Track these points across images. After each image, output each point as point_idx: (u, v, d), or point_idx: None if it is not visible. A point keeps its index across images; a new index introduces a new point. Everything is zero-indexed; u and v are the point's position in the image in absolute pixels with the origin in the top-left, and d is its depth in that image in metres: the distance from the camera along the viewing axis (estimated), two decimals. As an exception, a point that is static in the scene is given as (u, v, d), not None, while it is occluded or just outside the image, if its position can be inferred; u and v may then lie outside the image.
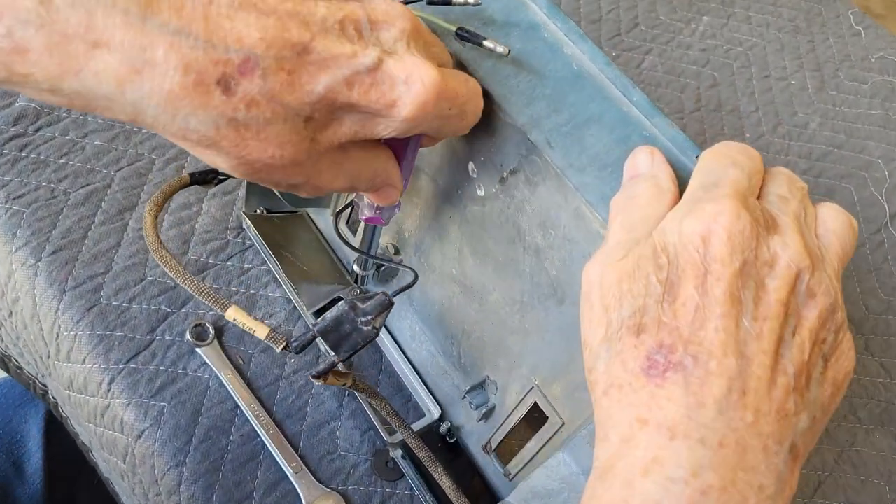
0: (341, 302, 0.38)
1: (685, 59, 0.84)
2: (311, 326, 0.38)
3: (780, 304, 0.30)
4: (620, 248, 0.32)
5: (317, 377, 0.38)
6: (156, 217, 0.40)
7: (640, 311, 0.30)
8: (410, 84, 0.33)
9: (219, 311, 0.36)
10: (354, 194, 0.47)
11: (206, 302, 0.36)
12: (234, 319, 0.36)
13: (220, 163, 0.34)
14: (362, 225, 0.52)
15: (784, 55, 0.87)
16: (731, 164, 0.33)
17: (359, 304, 0.37)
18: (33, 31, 0.28)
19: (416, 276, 0.45)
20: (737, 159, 0.33)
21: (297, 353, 0.37)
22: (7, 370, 0.65)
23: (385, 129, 0.35)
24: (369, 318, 0.37)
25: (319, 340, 0.38)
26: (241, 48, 0.30)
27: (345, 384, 0.40)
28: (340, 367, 0.39)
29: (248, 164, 0.33)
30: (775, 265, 0.30)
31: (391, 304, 0.38)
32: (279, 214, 0.58)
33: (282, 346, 0.36)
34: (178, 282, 0.37)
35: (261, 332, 0.36)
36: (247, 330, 0.36)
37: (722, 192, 0.31)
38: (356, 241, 0.53)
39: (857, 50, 0.90)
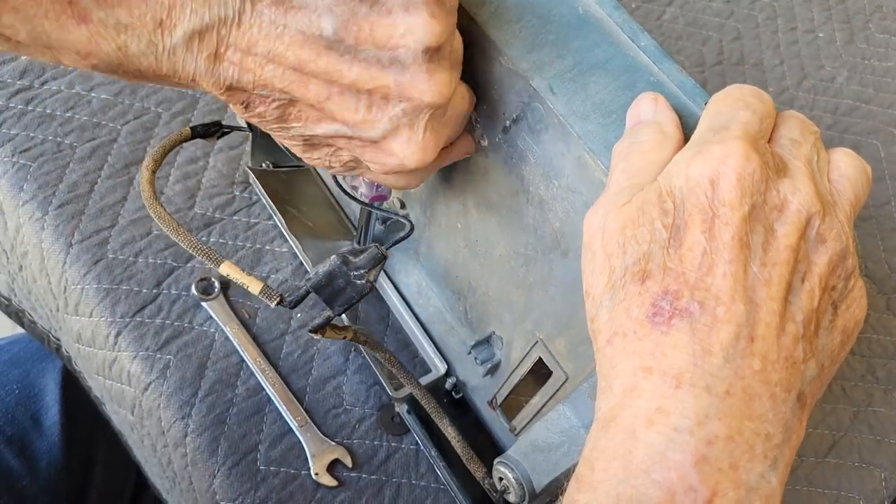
0: (333, 256, 0.37)
1: (708, 10, 0.81)
2: (305, 281, 0.37)
3: (789, 250, 0.29)
4: (623, 194, 0.31)
5: (314, 331, 0.38)
6: (153, 172, 0.40)
7: (644, 258, 0.29)
8: (404, 162, 0.36)
9: (212, 266, 0.36)
10: None
11: (200, 257, 0.36)
12: (228, 275, 0.36)
13: None
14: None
15: (812, 6, 0.84)
16: (743, 106, 0.32)
17: (351, 258, 0.37)
18: None
19: (412, 228, 0.44)
20: (748, 101, 0.32)
21: (291, 308, 0.37)
22: (22, 324, 0.65)
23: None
24: (362, 271, 0.37)
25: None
26: (265, 89, 0.34)
27: (345, 337, 0.39)
28: (339, 320, 0.38)
29: None
30: (785, 210, 0.29)
31: (384, 258, 0.37)
32: (285, 169, 0.57)
33: (276, 302, 0.36)
34: (171, 237, 0.37)
35: (254, 287, 0.36)
36: (241, 285, 0.36)
37: (731, 134, 0.30)
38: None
39: (890, 1, 0.86)
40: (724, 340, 0.27)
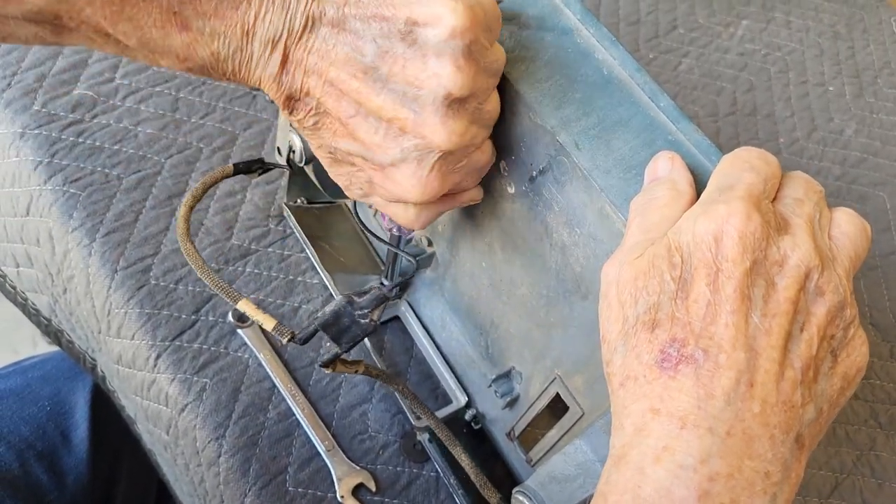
0: (339, 297, 0.40)
1: (722, 62, 0.84)
2: (313, 320, 0.40)
3: (788, 302, 0.31)
4: (637, 248, 0.34)
5: (325, 366, 0.40)
6: (191, 209, 0.43)
7: (654, 308, 0.32)
8: (405, 194, 0.40)
9: (231, 302, 0.39)
10: None
11: (220, 294, 0.40)
12: (245, 312, 0.39)
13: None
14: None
15: (823, 61, 0.87)
16: (749, 168, 0.34)
17: (355, 298, 0.40)
18: None
19: (417, 268, 0.48)
20: (754, 164, 0.35)
21: (301, 345, 0.40)
22: (59, 344, 0.68)
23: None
24: (366, 311, 0.40)
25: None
26: (307, 97, 0.38)
27: (356, 371, 0.42)
28: (352, 354, 0.41)
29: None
30: (785, 264, 0.32)
31: (386, 299, 0.40)
32: (318, 205, 0.60)
33: (287, 339, 0.39)
34: (198, 274, 0.40)
35: (268, 324, 0.39)
36: (256, 321, 0.39)
37: (735, 195, 0.33)
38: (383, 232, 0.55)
39: (898, 57, 0.90)
40: (725, 385, 0.30)
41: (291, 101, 0.39)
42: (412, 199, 0.40)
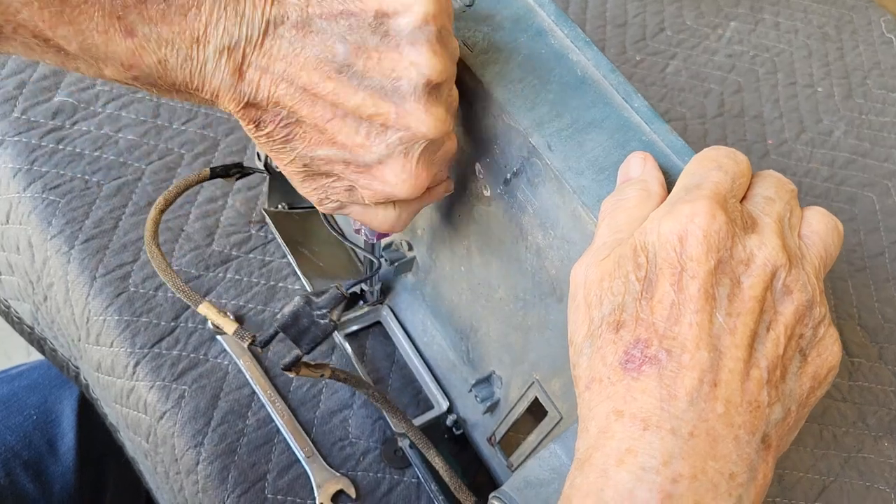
0: (297, 297, 0.40)
1: (710, 64, 0.84)
2: (273, 321, 0.40)
3: (754, 301, 0.31)
4: (605, 248, 0.33)
5: (286, 369, 0.40)
6: (161, 212, 0.43)
7: (619, 308, 0.32)
8: (395, 191, 0.39)
9: (192, 306, 0.39)
10: None
11: (181, 297, 0.39)
12: (206, 315, 0.39)
13: None
14: None
15: (811, 62, 0.87)
16: (716, 167, 0.34)
17: (313, 298, 0.39)
18: None
19: (379, 266, 0.48)
20: (722, 163, 0.34)
21: (261, 348, 0.39)
22: (43, 352, 0.68)
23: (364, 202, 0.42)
24: (324, 311, 0.39)
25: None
26: (276, 107, 0.37)
27: (322, 375, 0.42)
28: (309, 359, 0.41)
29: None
30: (751, 263, 0.31)
31: (344, 298, 0.40)
32: (299, 210, 0.60)
33: (248, 342, 0.39)
34: (160, 276, 0.40)
35: (229, 328, 0.39)
36: (217, 325, 0.39)
37: (701, 194, 0.32)
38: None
39: (888, 58, 0.89)
40: (688, 385, 0.29)
41: (256, 113, 0.37)
42: (403, 195, 0.39)
